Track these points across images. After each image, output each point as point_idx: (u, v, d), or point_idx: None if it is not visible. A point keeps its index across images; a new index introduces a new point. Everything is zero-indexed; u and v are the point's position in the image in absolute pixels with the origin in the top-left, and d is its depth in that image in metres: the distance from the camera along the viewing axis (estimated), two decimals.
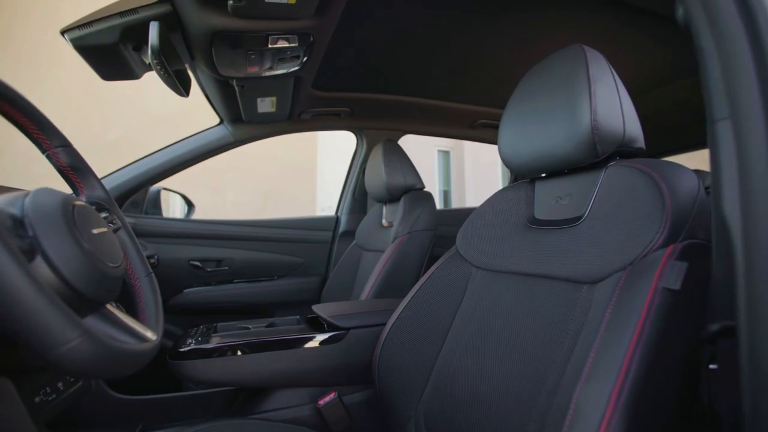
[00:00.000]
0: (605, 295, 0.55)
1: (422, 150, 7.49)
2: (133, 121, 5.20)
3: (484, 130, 2.00)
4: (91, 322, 0.45)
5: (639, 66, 1.38)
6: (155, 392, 1.06)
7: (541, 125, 0.71)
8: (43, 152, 0.58)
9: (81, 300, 0.44)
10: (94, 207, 0.61)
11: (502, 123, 0.81)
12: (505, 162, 0.81)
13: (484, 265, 0.81)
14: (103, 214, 0.62)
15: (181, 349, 0.86)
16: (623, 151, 0.68)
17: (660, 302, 0.46)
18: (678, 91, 1.50)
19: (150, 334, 0.52)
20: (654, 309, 0.45)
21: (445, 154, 8.42)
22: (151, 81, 1.06)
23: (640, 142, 0.69)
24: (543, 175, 0.79)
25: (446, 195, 8.45)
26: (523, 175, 0.83)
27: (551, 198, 0.76)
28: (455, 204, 8.38)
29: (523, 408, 0.60)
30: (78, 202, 0.48)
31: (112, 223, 0.63)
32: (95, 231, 0.49)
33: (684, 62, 1.34)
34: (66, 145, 0.59)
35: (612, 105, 0.65)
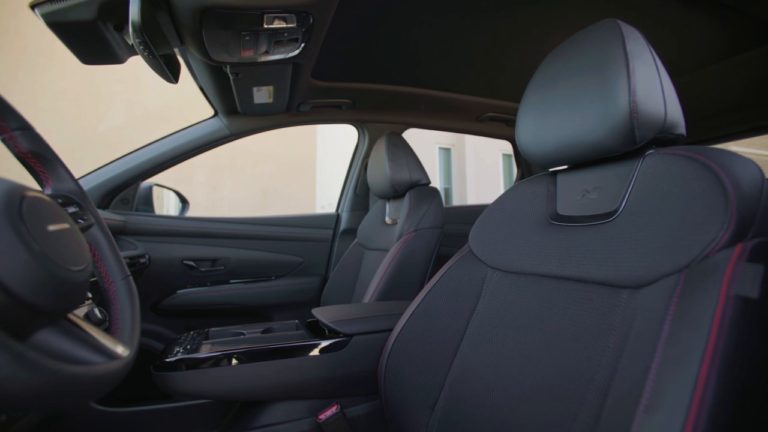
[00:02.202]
0: (655, 302, 0.47)
1: (423, 147, 7.42)
2: (133, 116, 5.12)
3: (490, 124, 1.93)
4: (42, 339, 0.37)
5: (672, 47, 1.29)
6: (141, 403, 0.98)
7: (567, 110, 0.64)
8: None
9: (29, 312, 0.35)
10: (60, 201, 0.53)
11: (520, 110, 0.74)
12: (525, 153, 0.74)
13: (501, 266, 0.74)
14: (72, 209, 0.54)
15: (167, 359, 0.78)
16: (662, 138, 0.60)
17: (734, 313, 0.38)
18: (718, 74, 1.40)
19: (120, 349, 0.44)
20: (727, 321, 0.38)
21: (446, 152, 8.35)
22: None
23: (681, 128, 0.62)
24: (566, 166, 0.72)
25: (447, 193, 8.39)
26: (543, 167, 0.75)
27: (576, 192, 0.68)
28: (456, 202, 8.31)
29: None
30: (30, 194, 0.40)
31: (83, 220, 0.55)
32: (52, 228, 0.41)
33: (721, 44, 1.24)
34: (26, 128, 0.50)
35: (652, 85, 0.58)
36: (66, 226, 0.44)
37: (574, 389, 0.52)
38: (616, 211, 0.59)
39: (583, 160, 0.66)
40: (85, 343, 0.40)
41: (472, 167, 8.03)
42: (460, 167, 8.17)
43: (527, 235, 0.71)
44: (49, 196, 0.52)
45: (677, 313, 0.42)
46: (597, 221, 0.61)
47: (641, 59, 0.58)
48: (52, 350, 0.37)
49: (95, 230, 0.57)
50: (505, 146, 9.17)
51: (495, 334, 0.69)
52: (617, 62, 0.57)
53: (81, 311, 0.84)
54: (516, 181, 2.29)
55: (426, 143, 7.68)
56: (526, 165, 2.13)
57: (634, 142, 0.57)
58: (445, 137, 8.35)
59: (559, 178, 0.73)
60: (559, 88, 0.65)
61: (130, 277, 0.58)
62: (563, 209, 0.69)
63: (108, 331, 0.51)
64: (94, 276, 0.58)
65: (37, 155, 0.52)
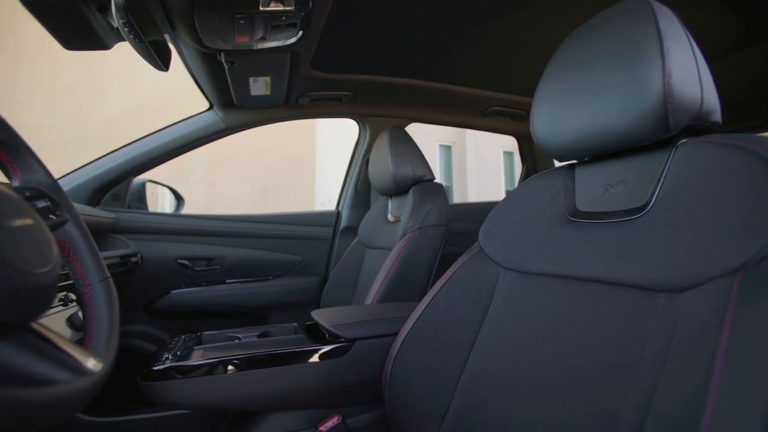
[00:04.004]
0: (704, 309, 0.41)
1: (423, 144, 7.36)
2: (131, 110, 5.07)
3: (495, 119, 1.88)
4: None
5: (706, 29, 1.21)
6: (130, 412, 0.92)
7: (589, 97, 0.58)
8: None
9: None
10: (27, 194, 0.47)
11: (536, 99, 0.68)
12: (541, 145, 0.68)
13: (515, 266, 0.68)
14: (42, 203, 0.48)
15: (155, 368, 0.72)
16: (696, 126, 0.55)
17: None
18: (754, 59, 1.32)
19: (92, 363, 0.38)
20: None
21: (447, 149, 8.30)
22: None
23: (717, 115, 0.56)
24: (585, 159, 0.66)
25: (447, 191, 8.36)
26: (561, 160, 0.70)
27: (598, 186, 0.63)
28: (457, 200, 8.27)
29: None
30: None
31: (55, 215, 0.49)
32: (11, 223, 0.36)
33: (755, 28, 1.17)
34: None
35: (688, 66, 0.52)
36: (29, 221, 0.38)
37: (604, 404, 0.47)
38: (645, 206, 0.54)
39: (607, 151, 0.61)
40: (47, 357, 0.35)
41: (472, 165, 7.98)
42: (460, 165, 8.12)
43: (543, 233, 0.66)
44: (14, 188, 0.46)
45: (737, 322, 0.37)
46: (623, 217, 0.56)
47: (676, 39, 0.52)
48: (5, 369, 0.31)
49: (70, 227, 0.51)
50: (507, 144, 9.15)
51: (510, 340, 0.64)
52: (649, 42, 0.52)
53: (62, 315, 0.79)
54: (521, 178, 2.24)
55: (426, 140, 7.63)
56: (531, 161, 2.08)
57: (667, 129, 0.52)
58: (445, 134, 8.30)
59: (578, 172, 0.67)
60: (580, 72, 0.60)
61: (110, 280, 0.52)
62: (583, 205, 0.64)
63: (82, 340, 0.46)
64: (71, 279, 0.52)
65: (2, 143, 0.46)
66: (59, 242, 0.50)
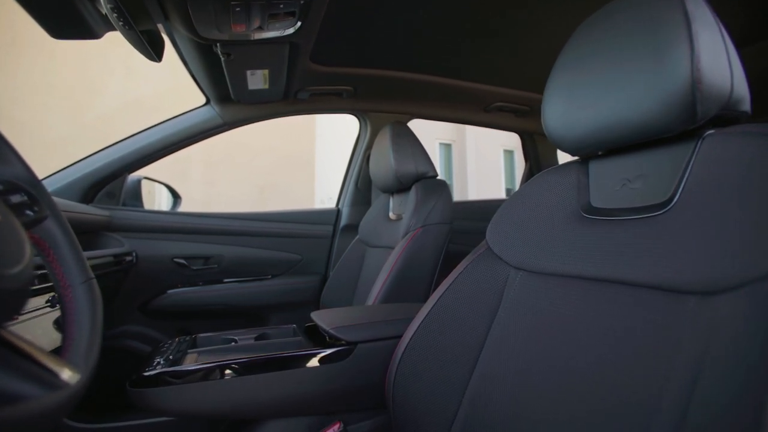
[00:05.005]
0: (748, 315, 0.37)
1: (423, 142, 7.34)
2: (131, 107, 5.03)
3: (498, 115, 1.84)
4: None
5: (732, 13, 1.15)
6: (121, 418, 0.89)
7: (607, 85, 0.55)
8: None
9: None
10: (0, 187, 0.43)
11: (547, 90, 0.65)
12: (553, 139, 0.64)
13: (525, 266, 0.65)
14: (17, 198, 0.44)
15: (146, 373, 0.69)
16: (725, 115, 0.51)
17: None
18: None
19: (67, 374, 0.35)
20: None
21: (447, 147, 8.27)
22: None
23: (747, 104, 0.53)
24: (599, 153, 0.62)
25: None
26: (574, 155, 0.66)
27: (614, 181, 0.59)
28: (456, 198, 8.26)
29: None
30: None
31: (32, 211, 0.45)
32: None
33: None
34: None
35: (718, 51, 0.48)
36: None
37: (632, 419, 0.43)
38: (668, 202, 0.50)
39: (625, 144, 0.57)
40: (13, 370, 0.31)
41: (473, 163, 7.95)
42: (461, 163, 8.09)
43: (555, 231, 0.63)
44: None
45: None
46: (643, 214, 0.52)
47: (704, 21, 0.49)
48: None
49: (50, 224, 0.47)
50: (507, 142, 9.11)
51: (522, 342, 0.60)
52: (675, 25, 0.48)
53: (50, 318, 0.75)
54: (524, 176, 2.20)
55: (426, 138, 7.59)
56: (535, 159, 2.04)
57: (694, 119, 0.48)
58: (445, 133, 8.26)
59: (592, 167, 0.63)
60: (597, 60, 0.56)
61: (94, 282, 0.49)
62: (598, 201, 0.60)
63: (60, 348, 0.42)
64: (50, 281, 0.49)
65: None
66: (37, 240, 0.46)
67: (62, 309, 0.45)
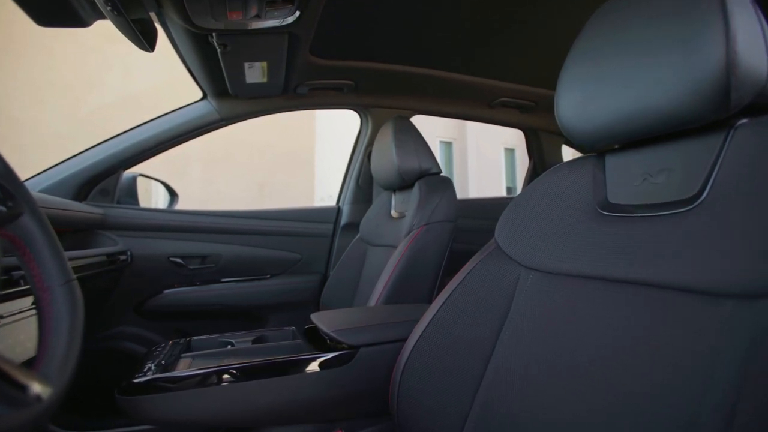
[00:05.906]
0: None
1: None
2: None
3: (502, 110, 1.81)
4: None
5: None
6: (110, 426, 0.85)
7: (629, 72, 0.51)
8: None
9: None
10: None
11: (561, 80, 0.61)
12: (567, 132, 0.61)
13: (538, 266, 0.61)
14: None
15: (136, 380, 0.65)
16: (759, 103, 0.47)
17: None
18: None
19: (37, 387, 0.31)
20: None
21: (448, 145, 8.24)
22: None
23: None
24: (616, 146, 0.59)
25: None
26: (591, 149, 0.62)
27: (634, 176, 0.55)
28: (457, 197, 8.25)
29: None
30: None
31: (6, 207, 0.41)
32: None
33: None
34: None
35: (754, 33, 0.44)
36: None
37: (663, 429, 0.40)
38: (696, 197, 0.46)
39: (647, 135, 0.53)
40: None
41: (473, 161, 7.92)
42: (461, 161, 8.06)
43: (570, 230, 0.59)
44: None
45: None
46: (667, 210, 0.48)
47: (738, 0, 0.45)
48: None
49: (27, 220, 0.44)
50: (508, 140, 9.08)
51: (535, 346, 0.57)
52: (708, 3, 0.44)
53: (34, 324, 0.71)
54: (527, 174, 2.16)
55: (427, 136, 7.56)
56: (539, 156, 2.00)
57: (727, 108, 0.44)
58: (446, 131, 8.23)
59: (609, 160, 0.60)
60: (618, 45, 0.53)
61: (75, 283, 0.45)
62: (616, 197, 0.56)
63: (34, 358, 0.38)
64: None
65: None
66: (12, 238, 0.42)
67: (39, 313, 0.42)
